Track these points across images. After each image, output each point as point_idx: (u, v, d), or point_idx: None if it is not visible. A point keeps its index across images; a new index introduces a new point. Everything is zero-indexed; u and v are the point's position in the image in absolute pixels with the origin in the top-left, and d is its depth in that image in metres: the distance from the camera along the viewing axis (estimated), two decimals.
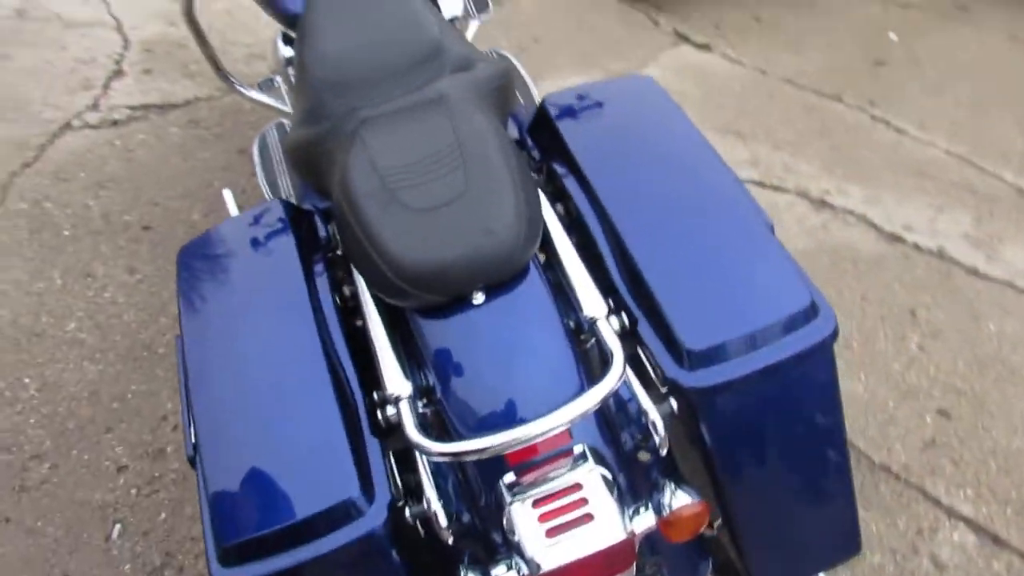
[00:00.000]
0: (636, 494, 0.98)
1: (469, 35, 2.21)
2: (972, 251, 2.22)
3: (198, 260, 1.12)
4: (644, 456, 1.03)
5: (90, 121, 2.44)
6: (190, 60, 2.71)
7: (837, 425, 1.02)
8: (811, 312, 0.96)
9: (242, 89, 1.90)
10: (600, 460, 0.94)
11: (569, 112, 1.22)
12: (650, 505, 0.94)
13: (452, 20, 1.70)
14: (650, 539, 1.03)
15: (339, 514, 0.85)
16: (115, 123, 2.44)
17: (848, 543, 1.08)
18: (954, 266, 2.18)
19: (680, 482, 0.96)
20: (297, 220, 1.15)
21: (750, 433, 0.98)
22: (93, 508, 1.54)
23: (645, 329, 0.98)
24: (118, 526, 1.51)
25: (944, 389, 1.87)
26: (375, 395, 0.97)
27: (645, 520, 0.92)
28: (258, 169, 1.84)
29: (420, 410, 0.96)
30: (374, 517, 0.86)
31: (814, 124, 2.70)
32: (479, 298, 0.97)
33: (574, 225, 1.12)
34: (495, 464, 0.93)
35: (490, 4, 2.07)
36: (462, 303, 0.97)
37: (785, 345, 0.94)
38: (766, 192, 2.43)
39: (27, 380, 1.74)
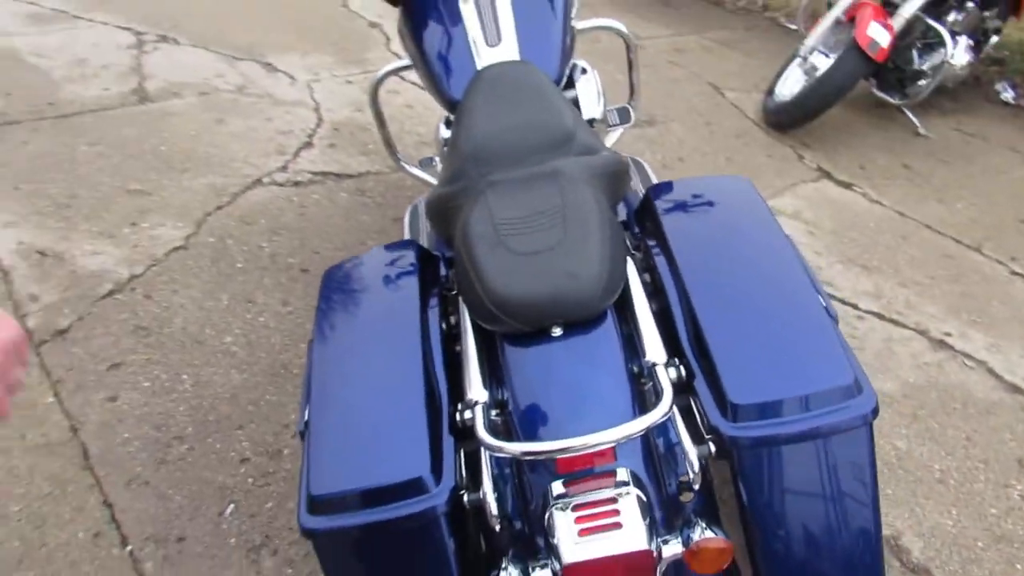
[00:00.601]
0: (671, 526, 1.11)
1: (610, 141, 2.49)
2: None
3: (339, 278, 1.40)
4: (686, 497, 1.17)
5: (277, 180, 2.90)
6: (369, 141, 3.17)
7: (871, 502, 1.11)
8: (854, 389, 1.07)
9: (405, 165, 2.26)
10: (640, 487, 1.09)
11: (668, 200, 1.43)
12: (680, 537, 1.07)
13: (590, 121, 1.97)
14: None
15: (410, 488, 1.04)
16: (297, 184, 2.89)
17: None
18: None
19: (713, 523, 1.09)
20: (424, 259, 1.41)
21: (783, 493, 1.10)
22: (215, 488, 1.81)
23: (700, 384, 1.14)
24: (232, 506, 1.78)
25: None
26: (459, 404, 1.18)
27: (672, 548, 1.05)
28: (406, 232, 2.16)
29: (492, 417, 1.15)
30: (438, 496, 1.04)
31: (947, 269, 2.76)
32: (557, 332, 1.16)
33: (656, 293, 1.31)
34: (547, 473, 1.11)
35: (632, 115, 2.34)
36: (543, 334, 1.17)
37: (824, 414, 1.06)
38: (884, 324, 2.49)
39: (184, 376, 2.09)
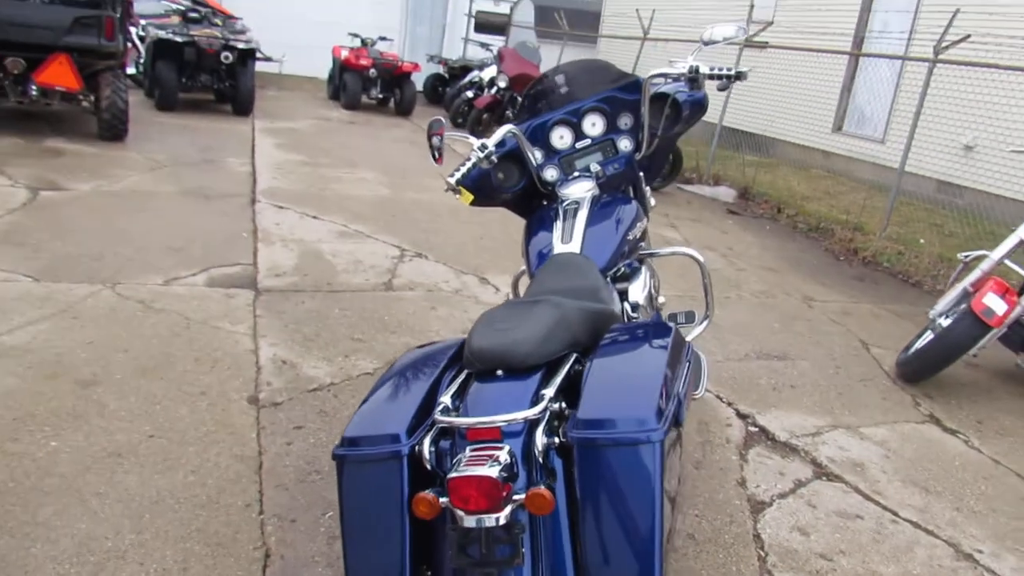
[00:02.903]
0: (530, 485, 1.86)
1: (689, 337, 3.30)
2: None
3: (415, 351, 2.40)
4: (548, 481, 1.91)
5: None
6: None
7: (651, 508, 1.75)
8: (653, 422, 1.80)
9: None
10: (512, 457, 1.87)
11: (614, 331, 2.25)
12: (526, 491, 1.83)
13: (635, 305, 2.85)
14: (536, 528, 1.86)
15: (390, 439, 1.94)
16: None
17: None
18: None
19: (552, 490, 1.83)
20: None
21: (594, 484, 1.80)
22: (326, 502, 2.76)
23: (574, 416, 1.93)
24: (331, 513, 2.70)
25: None
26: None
27: (519, 494, 1.81)
28: None
29: (451, 412, 2.02)
30: (404, 447, 1.93)
31: (1015, 508, 3.05)
32: (500, 373, 2.03)
33: (576, 376, 2.13)
34: (464, 443, 1.92)
35: (697, 318, 3.16)
36: (491, 374, 2.04)
37: (624, 432, 1.80)
38: (916, 531, 2.87)
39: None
